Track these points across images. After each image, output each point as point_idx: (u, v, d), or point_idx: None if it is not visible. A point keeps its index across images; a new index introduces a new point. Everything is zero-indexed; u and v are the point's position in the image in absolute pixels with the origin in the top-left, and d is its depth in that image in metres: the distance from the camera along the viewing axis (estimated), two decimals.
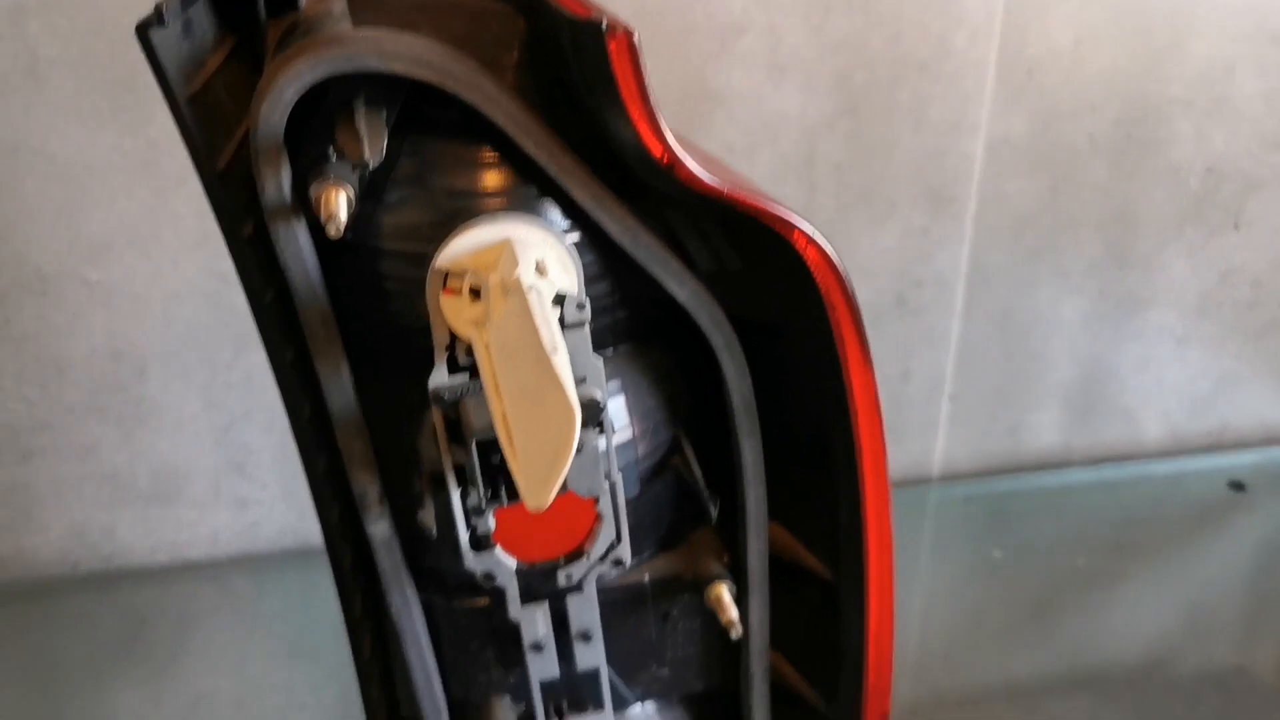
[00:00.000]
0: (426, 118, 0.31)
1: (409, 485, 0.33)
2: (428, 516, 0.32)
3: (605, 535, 0.34)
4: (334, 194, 0.28)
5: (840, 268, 0.31)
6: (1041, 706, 0.64)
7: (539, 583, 0.35)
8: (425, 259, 0.29)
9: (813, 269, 0.31)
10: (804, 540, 0.38)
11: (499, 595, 0.34)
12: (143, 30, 0.28)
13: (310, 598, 0.72)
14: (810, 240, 0.31)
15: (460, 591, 0.36)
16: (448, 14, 0.32)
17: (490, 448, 0.30)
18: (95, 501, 0.69)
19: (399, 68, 0.29)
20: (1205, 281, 0.79)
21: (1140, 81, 0.72)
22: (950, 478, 0.82)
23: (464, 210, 0.30)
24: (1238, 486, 0.80)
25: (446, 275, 0.29)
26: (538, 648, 0.36)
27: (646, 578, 0.37)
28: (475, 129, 0.30)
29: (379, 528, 0.34)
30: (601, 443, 0.31)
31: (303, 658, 0.67)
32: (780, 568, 0.38)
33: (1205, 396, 0.84)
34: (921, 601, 0.74)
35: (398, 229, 0.31)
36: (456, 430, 0.31)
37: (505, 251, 0.28)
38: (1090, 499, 0.81)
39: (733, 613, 0.36)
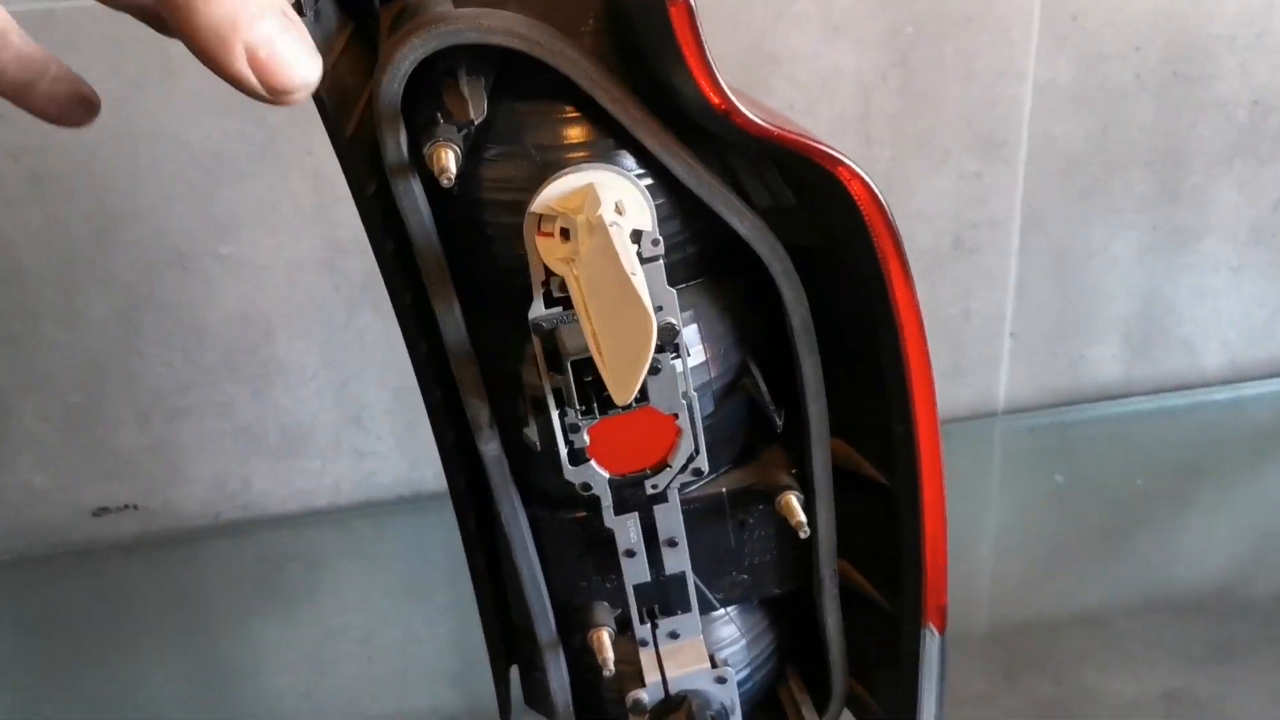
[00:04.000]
0: (518, 82, 0.36)
1: (515, 408, 0.38)
2: (532, 434, 0.37)
3: (685, 448, 0.38)
4: (444, 151, 0.33)
5: (881, 196, 0.36)
6: (1113, 625, 0.66)
7: (629, 494, 0.39)
8: (521, 206, 0.34)
9: (856, 199, 0.35)
10: (863, 452, 0.41)
11: (595, 506, 0.39)
12: None
13: (425, 541, 0.78)
14: (854, 173, 0.35)
15: (562, 505, 0.40)
16: None
17: (584, 367, 0.34)
18: (233, 455, 0.77)
19: (494, 39, 0.33)
20: (1258, 210, 0.82)
21: (1182, 20, 0.75)
22: (1015, 411, 0.86)
23: (553, 162, 0.35)
24: None
25: (540, 219, 0.34)
26: (630, 554, 0.40)
27: (723, 489, 0.41)
28: (560, 90, 0.35)
29: (490, 447, 0.39)
30: (678, 365, 0.36)
31: (419, 597, 0.73)
32: (843, 479, 0.42)
33: (1263, 324, 0.86)
34: (994, 528, 0.77)
35: (497, 180, 0.36)
36: (554, 356, 0.35)
37: (589, 194, 0.33)
38: (1152, 427, 0.84)
39: (800, 516, 0.40)
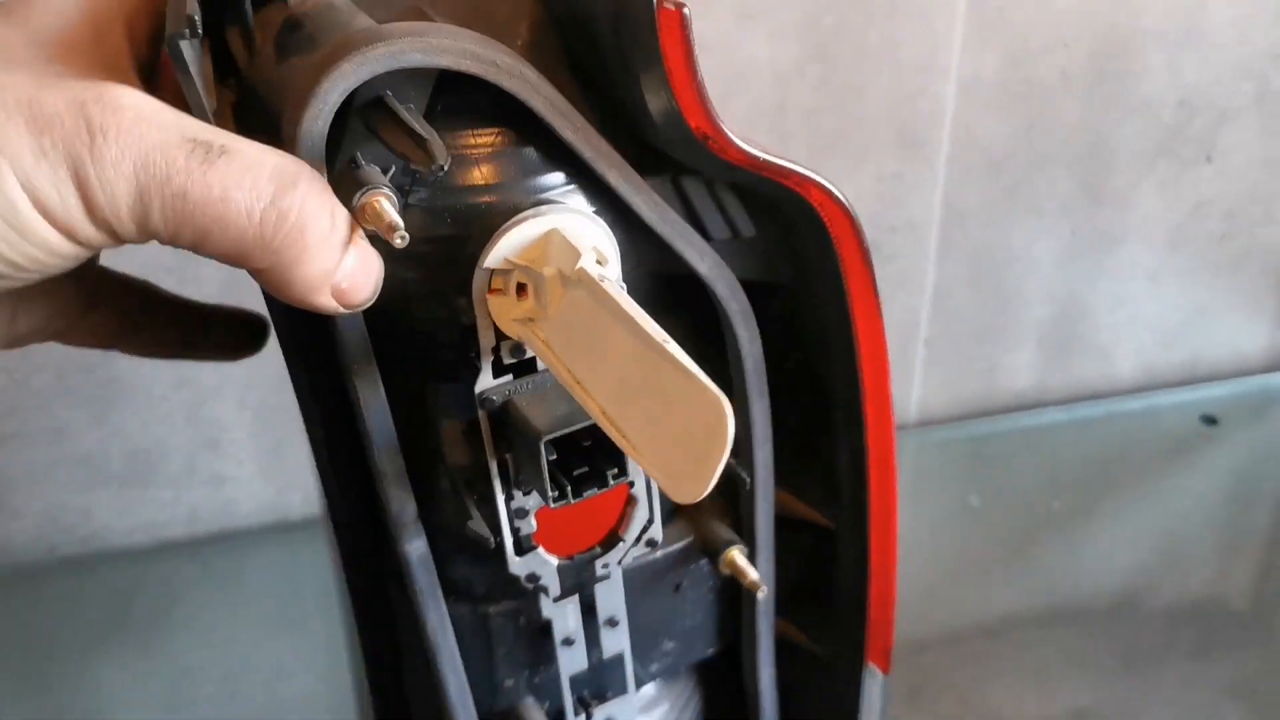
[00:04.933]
0: (450, 108, 0.29)
1: (431, 495, 0.32)
2: (479, 526, 0.31)
3: (639, 517, 0.33)
4: (381, 202, 0.27)
5: (857, 220, 0.32)
6: (1020, 641, 0.65)
7: (575, 577, 0.34)
8: (458, 259, 0.29)
9: (829, 224, 0.32)
10: (802, 495, 0.39)
11: (532, 596, 0.34)
12: (174, 43, 0.26)
13: (292, 571, 0.71)
14: (827, 195, 0.32)
15: (485, 599, 0.35)
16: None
17: (564, 445, 0.29)
18: (68, 485, 0.68)
19: (444, 61, 0.27)
20: (1177, 215, 0.79)
21: (1111, 15, 0.71)
22: (927, 423, 0.82)
23: (500, 205, 0.29)
24: (1210, 420, 0.81)
25: (492, 274, 0.29)
26: (569, 642, 0.35)
27: (658, 552, 0.36)
28: (504, 116, 0.29)
29: (415, 546, 0.32)
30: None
31: (289, 629, 0.67)
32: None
33: (1177, 329, 0.84)
34: (901, 545, 0.74)
35: (427, 230, 0.29)
36: (502, 434, 0.30)
37: (557, 242, 0.28)
38: (1065, 438, 0.82)
39: (753, 574, 0.36)
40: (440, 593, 0.33)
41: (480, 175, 0.29)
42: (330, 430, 0.33)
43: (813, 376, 0.36)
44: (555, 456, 0.29)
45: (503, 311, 0.29)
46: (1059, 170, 0.75)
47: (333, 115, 0.27)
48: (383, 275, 0.28)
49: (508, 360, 0.30)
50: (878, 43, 0.68)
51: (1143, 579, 0.72)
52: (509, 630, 0.35)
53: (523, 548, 0.32)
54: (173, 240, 0.25)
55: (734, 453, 0.34)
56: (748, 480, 0.35)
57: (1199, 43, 0.73)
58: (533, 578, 0.33)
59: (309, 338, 0.31)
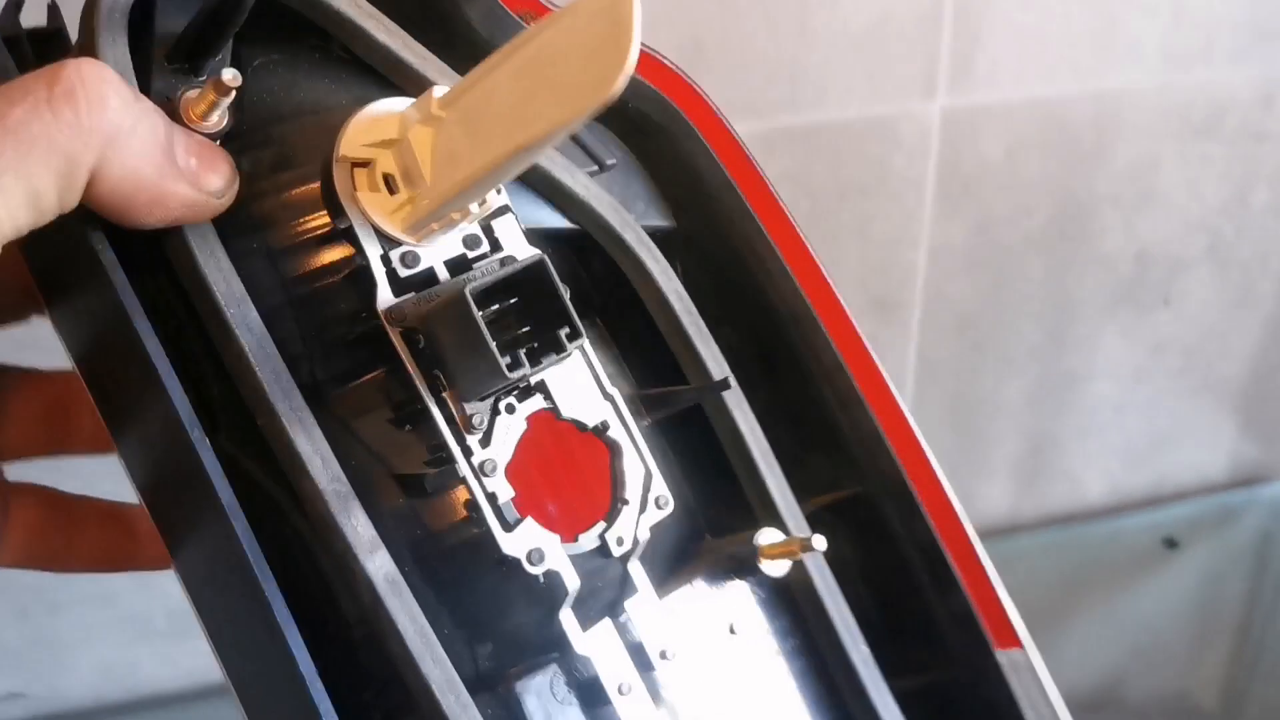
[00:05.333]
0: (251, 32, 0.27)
1: (380, 501, 0.26)
2: (439, 480, 0.26)
3: (632, 469, 0.27)
4: (212, 88, 0.25)
5: (719, 111, 0.30)
6: None
7: (592, 576, 0.27)
8: (312, 181, 0.26)
9: (688, 113, 0.29)
10: (809, 489, 0.33)
11: (558, 637, 0.27)
12: None
13: None
14: (678, 80, 0.29)
15: (502, 654, 0.27)
16: None
17: (494, 312, 0.25)
18: (117, 642, 0.74)
19: None
20: (1139, 355, 0.85)
21: (1070, 183, 0.77)
22: None
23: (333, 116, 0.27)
24: (1171, 543, 0.87)
25: (353, 169, 0.26)
26: (622, 690, 0.27)
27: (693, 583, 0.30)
28: (316, 34, 0.28)
29: (377, 562, 0.25)
30: (584, 349, 0.27)
31: None
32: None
33: (1143, 453, 0.90)
34: None
35: (277, 165, 0.27)
36: (422, 350, 0.25)
37: (409, 104, 0.26)
38: (1036, 562, 0.87)
39: (797, 537, 0.30)
40: (440, 648, 0.25)
41: (313, 93, 0.28)
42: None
43: (755, 340, 0.31)
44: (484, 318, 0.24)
45: (379, 206, 0.26)
46: (1026, 322, 0.81)
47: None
48: (233, 167, 0.25)
49: (403, 272, 0.26)
50: (851, 220, 0.74)
51: (1110, 684, 0.77)
52: (544, 694, 0.27)
53: (507, 519, 0.26)
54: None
55: (695, 404, 0.31)
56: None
57: (1153, 203, 0.79)
58: (537, 557, 0.26)
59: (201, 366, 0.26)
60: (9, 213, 0.22)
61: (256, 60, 0.28)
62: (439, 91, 0.25)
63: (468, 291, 0.24)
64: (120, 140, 0.23)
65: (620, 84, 0.21)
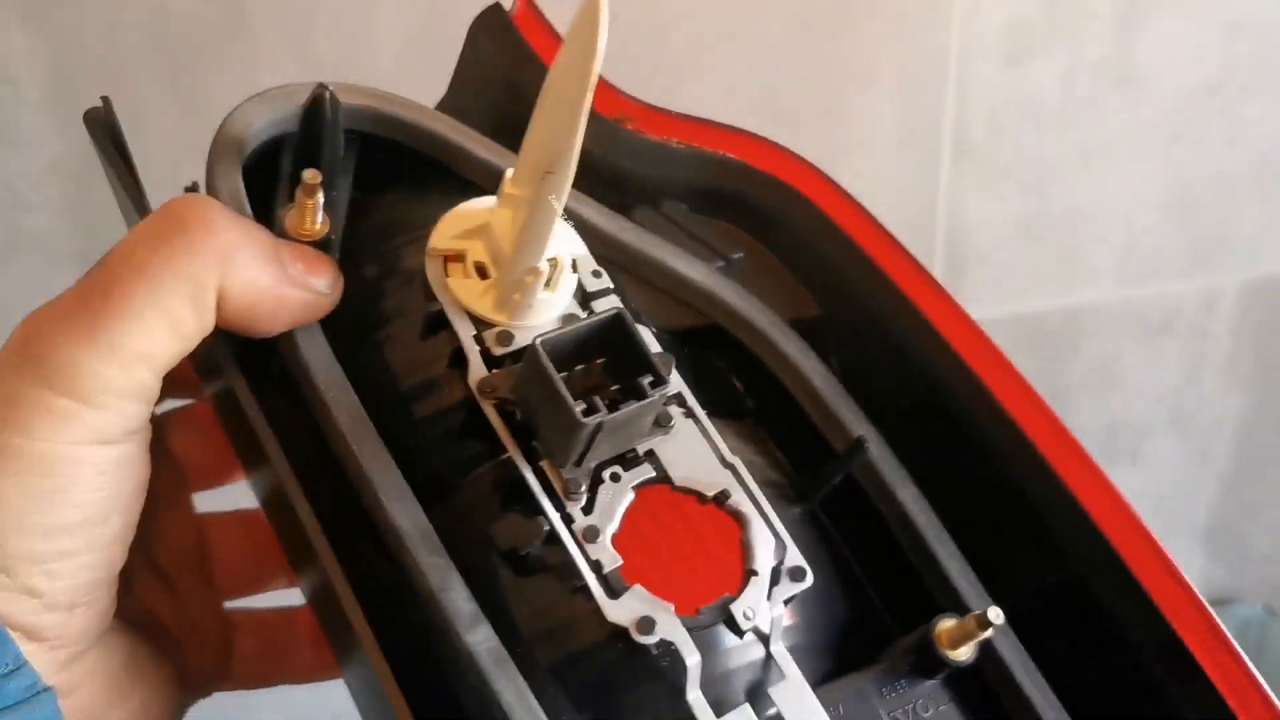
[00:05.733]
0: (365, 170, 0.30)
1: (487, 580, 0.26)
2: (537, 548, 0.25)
3: (760, 537, 0.26)
4: (308, 203, 0.27)
5: (832, 180, 0.29)
6: None
7: (721, 656, 0.25)
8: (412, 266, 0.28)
9: (804, 190, 0.29)
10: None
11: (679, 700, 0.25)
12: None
13: None
14: (793, 162, 0.29)
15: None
16: None
17: (577, 371, 0.25)
18: None
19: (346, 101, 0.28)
20: None
21: (1045, 378, 0.91)
22: None
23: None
24: None
25: (445, 259, 0.27)
26: None
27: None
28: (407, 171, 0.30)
29: (479, 636, 0.24)
30: (696, 423, 0.26)
31: None
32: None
33: None
34: None
35: (379, 241, 0.29)
36: (522, 426, 0.26)
37: (492, 200, 0.28)
38: None
39: (973, 612, 0.28)
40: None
41: (410, 216, 0.29)
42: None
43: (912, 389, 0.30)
44: (565, 375, 0.24)
45: (468, 293, 0.27)
46: None
47: (244, 153, 0.28)
48: (336, 266, 0.27)
49: (498, 350, 0.26)
50: None
51: None
52: None
53: (613, 586, 0.24)
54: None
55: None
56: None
57: (1120, 386, 0.95)
58: (647, 626, 0.24)
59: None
60: (155, 344, 0.25)
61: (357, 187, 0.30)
62: (510, 172, 0.27)
63: (538, 342, 0.24)
64: (234, 256, 0.25)
65: (596, 62, 0.21)
